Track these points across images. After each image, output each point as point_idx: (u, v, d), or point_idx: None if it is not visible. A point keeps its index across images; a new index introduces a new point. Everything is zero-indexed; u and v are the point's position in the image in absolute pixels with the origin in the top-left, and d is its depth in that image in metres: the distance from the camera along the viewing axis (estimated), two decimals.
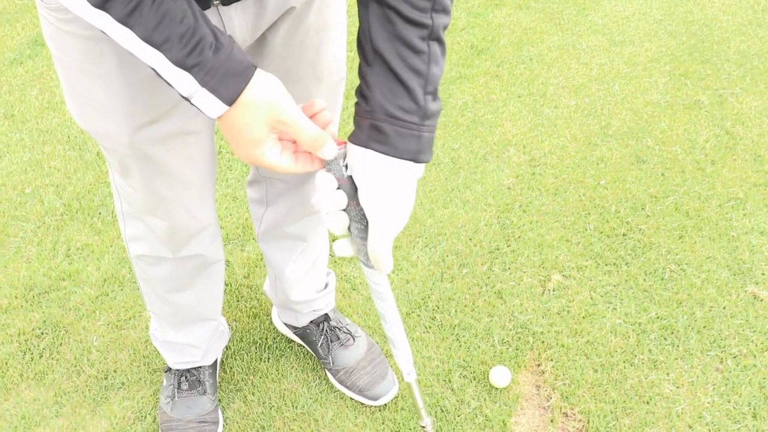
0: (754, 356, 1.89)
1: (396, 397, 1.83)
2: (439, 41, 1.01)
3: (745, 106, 2.73)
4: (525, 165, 2.50)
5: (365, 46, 1.00)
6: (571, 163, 2.50)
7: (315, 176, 1.06)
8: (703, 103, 2.75)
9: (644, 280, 2.09)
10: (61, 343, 1.99)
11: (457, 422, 1.78)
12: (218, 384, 1.87)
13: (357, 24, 1.03)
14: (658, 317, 1.99)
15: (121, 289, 2.12)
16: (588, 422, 1.77)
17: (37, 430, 1.80)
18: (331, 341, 1.86)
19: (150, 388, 1.88)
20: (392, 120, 0.99)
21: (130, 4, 0.86)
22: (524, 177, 2.45)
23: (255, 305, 2.07)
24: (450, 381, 1.86)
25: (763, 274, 2.10)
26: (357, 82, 1.05)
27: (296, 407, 1.83)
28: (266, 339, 1.98)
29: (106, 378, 1.91)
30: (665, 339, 1.94)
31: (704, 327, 1.97)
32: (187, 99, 0.94)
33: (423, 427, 1.40)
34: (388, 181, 1.01)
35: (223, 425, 1.80)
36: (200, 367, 1.79)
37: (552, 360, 1.90)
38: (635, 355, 1.91)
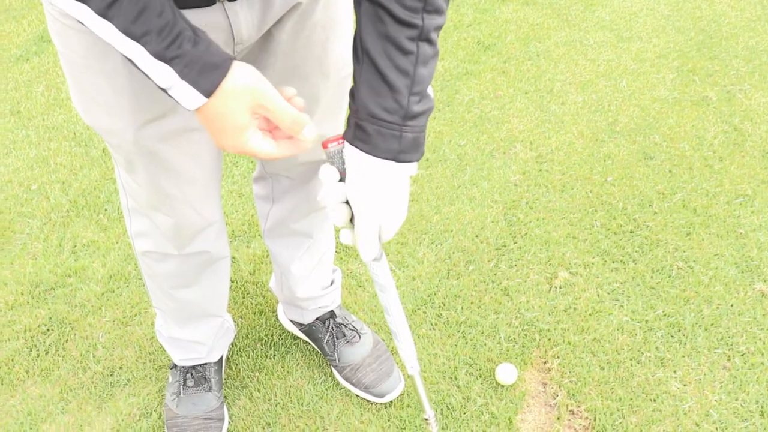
0: (762, 354, 1.88)
1: (402, 394, 1.82)
2: (430, 42, 1.01)
3: (753, 102, 2.71)
4: (532, 161, 2.49)
5: (356, 45, 1.02)
6: (578, 159, 2.49)
7: (319, 171, 1.09)
8: (711, 99, 2.73)
9: (651, 277, 2.08)
10: (67, 340, 1.99)
11: (463, 419, 1.77)
12: (224, 381, 1.87)
13: None
14: (665, 314, 1.98)
15: (127, 286, 2.12)
16: (594, 420, 1.77)
17: (43, 427, 1.81)
18: (337, 338, 1.86)
19: (155, 385, 1.88)
20: (374, 120, 1.00)
21: None
22: (531, 173, 2.44)
23: (261, 302, 2.07)
24: (456, 378, 1.86)
25: None
26: None
27: (302, 404, 1.82)
28: (272, 336, 1.98)
29: (111, 374, 1.91)
30: (672, 336, 1.93)
31: (712, 324, 1.95)
32: (164, 90, 0.95)
33: (426, 419, 1.40)
34: (371, 177, 1.04)
35: (229, 422, 1.80)
36: (206, 363, 1.79)
37: (558, 357, 1.90)
38: (642, 353, 1.90)
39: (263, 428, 1.79)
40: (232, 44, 1.15)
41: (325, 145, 1.07)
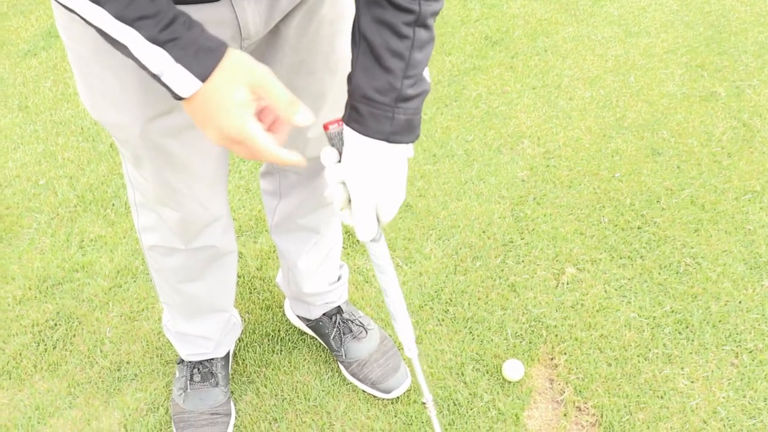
0: None
1: (408, 390, 1.82)
2: (426, 27, 1.02)
3: (762, 98, 2.69)
4: (539, 157, 2.48)
5: (354, 29, 1.03)
6: (586, 155, 2.48)
7: (321, 153, 1.11)
8: (720, 94, 2.72)
9: (659, 273, 2.07)
10: (75, 335, 2.00)
11: (469, 415, 1.77)
12: (231, 376, 1.88)
13: None
14: (672, 311, 1.97)
15: (134, 281, 2.13)
16: (601, 416, 1.76)
17: (50, 421, 1.81)
18: (344, 334, 1.86)
19: (163, 380, 1.89)
20: (367, 101, 1.02)
21: None
22: (538, 169, 2.43)
23: (268, 297, 2.07)
24: (463, 374, 1.86)
25: None
26: None
27: (308, 399, 1.83)
28: (279, 331, 1.98)
29: (119, 369, 1.91)
30: (680, 333, 1.93)
31: (719, 321, 1.95)
32: (156, 77, 0.94)
33: (424, 403, 1.40)
34: (364, 158, 1.05)
35: (236, 417, 1.80)
36: (212, 359, 1.79)
37: (565, 353, 1.89)
38: (649, 349, 1.89)
39: (270, 423, 1.79)
40: (239, 40, 1.15)
41: (326, 127, 1.08)
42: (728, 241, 2.16)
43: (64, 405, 1.84)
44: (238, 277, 2.08)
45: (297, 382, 1.86)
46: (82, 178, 2.48)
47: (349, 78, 1.05)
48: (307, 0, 1.19)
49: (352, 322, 1.87)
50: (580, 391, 1.81)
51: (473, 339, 1.94)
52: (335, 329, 1.86)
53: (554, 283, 2.06)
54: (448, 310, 2.01)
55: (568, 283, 2.06)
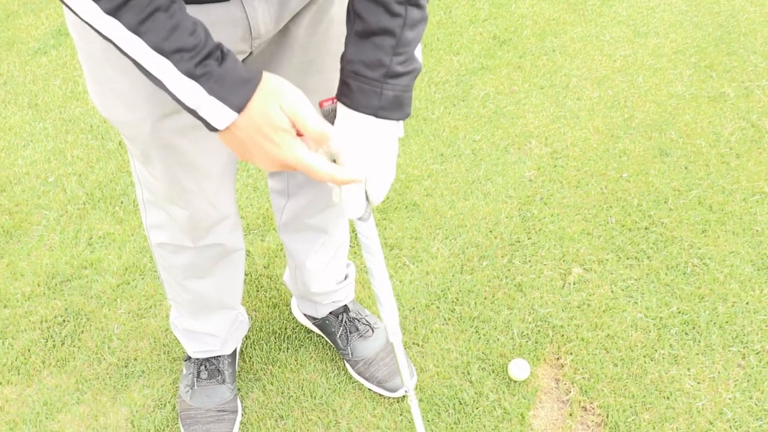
0: None
1: (414, 389, 1.82)
2: (418, 6, 1.04)
3: None
4: (547, 157, 2.48)
5: (348, 6, 1.05)
6: (594, 155, 2.48)
7: None
8: (729, 95, 2.71)
9: (666, 274, 2.07)
10: (83, 331, 2.01)
11: (475, 414, 1.78)
12: (237, 373, 1.89)
13: None
14: (679, 312, 1.97)
15: (142, 278, 2.14)
16: (607, 416, 1.76)
17: (58, 417, 1.82)
18: (350, 332, 1.86)
19: (170, 377, 1.90)
20: (356, 76, 1.04)
21: (142, 12, 0.88)
22: (546, 169, 2.43)
23: (275, 295, 2.08)
24: (469, 373, 1.86)
25: None
26: None
27: (315, 397, 1.83)
28: (285, 329, 1.99)
29: (126, 366, 1.93)
30: (686, 334, 1.93)
31: (726, 322, 1.94)
32: (193, 111, 0.96)
33: (405, 392, 1.40)
34: (352, 132, 1.07)
35: (242, 414, 1.81)
36: (219, 356, 1.80)
37: (572, 353, 1.89)
38: (656, 350, 1.89)
39: (276, 421, 1.80)
40: (249, 39, 1.16)
41: (321, 105, 1.10)
42: (736, 242, 2.15)
43: (72, 401, 1.85)
44: (246, 275, 2.09)
45: (303, 380, 1.87)
46: (91, 175, 2.50)
47: (343, 55, 1.07)
48: (316, 1, 1.20)
49: (358, 320, 1.88)
50: (585, 391, 1.81)
51: (479, 338, 1.94)
52: (342, 328, 1.87)
53: (561, 283, 2.06)
54: (454, 309, 2.01)
55: (574, 283, 2.06)
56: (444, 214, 2.28)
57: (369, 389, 1.84)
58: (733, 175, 2.37)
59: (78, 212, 2.36)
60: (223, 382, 1.79)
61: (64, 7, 1.11)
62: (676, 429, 1.73)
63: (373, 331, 1.87)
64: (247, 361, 1.92)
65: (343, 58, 1.06)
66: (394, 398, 1.81)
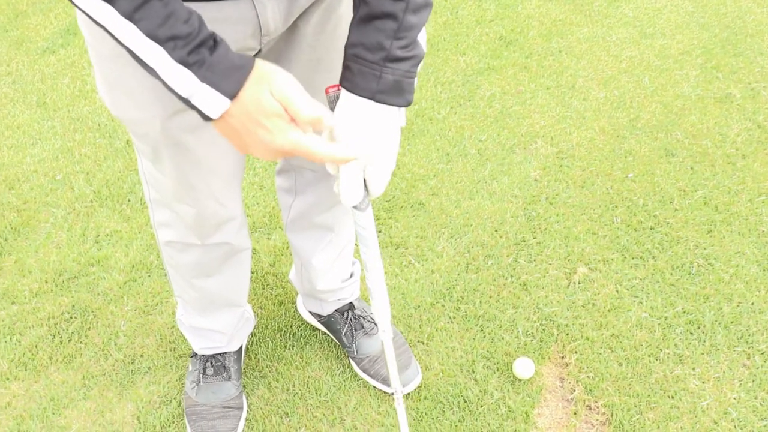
0: None
1: (419, 387, 1.83)
2: None
3: None
4: (552, 157, 2.48)
5: None
6: (599, 155, 2.48)
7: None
8: (735, 96, 2.71)
9: (671, 274, 2.07)
10: (90, 328, 2.02)
11: (479, 413, 1.78)
12: (243, 370, 1.89)
13: None
14: (684, 312, 1.97)
15: (149, 276, 2.15)
16: (611, 415, 1.77)
17: (65, 412, 1.84)
18: (356, 330, 1.87)
19: (176, 373, 1.91)
20: (356, 59, 1.04)
21: None
22: (551, 169, 2.43)
23: (280, 293, 2.09)
24: (473, 371, 1.86)
25: None
26: None
27: (320, 394, 1.84)
28: (291, 327, 2.00)
29: (132, 362, 1.94)
30: (691, 334, 1.93)
31: (731, 322, 1.94)
32: (186, 100, 0.96)
33: (392, 394, 1.39)
34: (351, 115, 1.07)
35: (248, 411, 1.82)
36: (225, 353, 1.81)
37: (576, 352, 1.90)
38: (660, 349, 1.89)
39: (281, 417, 1.80)
40: (258, 36, 1.16)
41: (326, 91, 1.10)
42: (741, 242, 2.15)
43: (79, 396, 1.87)
44: (252, 273, 2.10)
45: (308, 377, 1.88)
46: (98, 173, 2.51)
47: (346, 40, 1.07)
48: None
49: (363, 318, 1.89)
50: (590, 390, 1.82)
51: (484, 337, 1.94)
52: (347, 325, 1.87)
53: (566, 283, 2.07)
54: (459, 307, 2.02)
55: (579, 283, 2.06)
56: (449, 214, 2.29)
57: (374, 386, 1.84)
58: (739, 176, 2.37)
59: (85, 210, 2.37)
60: (229, 378, 1.80)
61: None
62: (681, 428, 1.74)
63: (378, 328, 1.88)
64: (253, 358, 1.93)
65: (346, 43, 1.07)
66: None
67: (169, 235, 1.50)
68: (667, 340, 1.91)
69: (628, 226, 2.22)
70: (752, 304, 1.99)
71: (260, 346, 1.95)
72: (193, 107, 0.97)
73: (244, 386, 1.86)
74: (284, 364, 1.91)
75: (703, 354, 1.88)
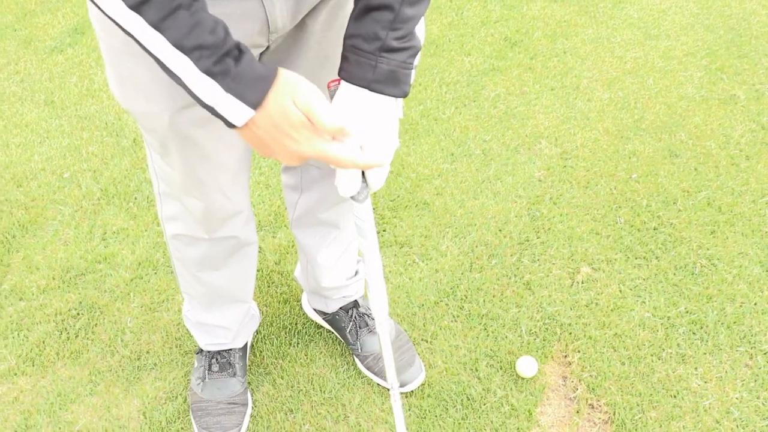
0: None
1: (423, 385, 1.84)
2: None
3: None
4: (556, 157, 2.49)
5: None
6: (603, 156, 2.49)
7: None
8: (739, 97, 2.72)
9: (674, 274, 2.08)
10: (97, 324, 2.04)
11: (482, 411, 1.79)
12: (248, 367, 1.91)
13: None
14: (687, 312, 1.98)
15: (155, 273, 2.16)
16: (614, 414, 1.78)
17: (72, 407, 1.85)
18: (360, 327, 1.88)
19: (181, 370, 1.92)
20: (353, 49, 1.06)
21: (165, 9, 0.91)
22: (555, 169, 2.44)
23: (285, 291, 2.10)
24: (477, 370, 1.88)
25: None
26: None
27: (324, 391, 1.85)
28: (296, 324, 2.01)
29: (139, 359, 1.95)
30: (694, 333, 1.94)
31: (734, 323, 1.95)
32: (211, 108, 0.98)
33: (388, 390, 1.40)
34: (346, 104, 1.08)
35: (252, 407, 1.83)
36: (231, 349, 1.83)
37: (579, 351, 1.91)
38: (663, 349, 1.90)
39: (286, 414, 1.82)
40: (267, 33, 1.18)
41: (328, 86, 1.11)
42: (745, 243, 2.16)
43: (86, 392, 1.88)
44: (257, 271, 2.11)
45: (313, 374, 1.89)
46: (105, 171, 2.53)
47: (345, 32, 1.09)
48: None
49: (368, 316, 1.90)
50: (593, 389, 1.83)
51: (488, 335, 1.95)
52: (351, 323, 1.89)
53: (569, 282, 2.08)
54: (463, 306, 2.03)
55: (583, 282, 2.07)
56: (454, 213, 2.30)
57: (377, 384, 1.86)
58: (743, 177, 2.38)
59: (92, 208, 2.39)
60: (234, 375, 1.81)
61: (88, 1, 1.14)
62: (683, 427, 1.75)
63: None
64: (258, 355, 1.95)
65: (345, 35, 1.09)
66: (402, 393, 1.83)
67: (177, 229, 1.51)
68: (670, 339, 1.92)
69: (631, 227, 2.23)
70: (755, 304, 1.99)
71: (265, 343, 1.97)
72: (218, 115, 0.99)
73: (249, 383, 1.88)
74: (289, 362, 1.92)
75: (705, 354, 1.89)
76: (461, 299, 2.05)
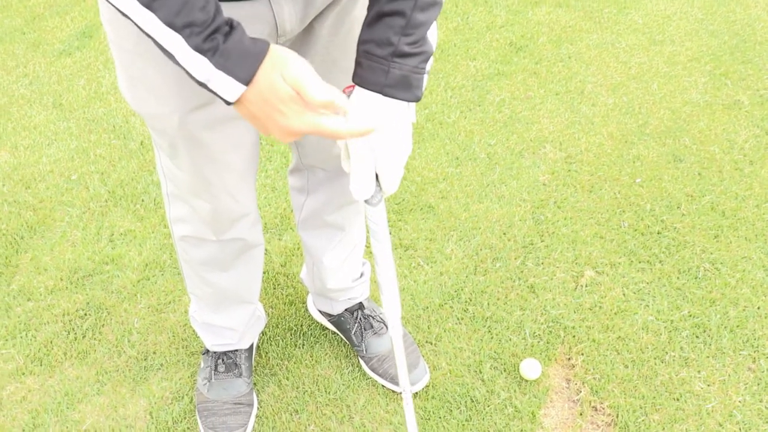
0: None
1: (427, 386, 1.86)
2: None
3: None
4: (561, 162, 2.51)
5: None
6: (607, 160, 2.50)
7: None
8: (744, 103, 2.73)
9: (677, 278, 2.09)
10: (104, 325, 2.06)
11: (486, 412, 1.80)
12: (254, 368, 1.92)
13: None
14: (690, 315, 1.99)
15: (162, 274, 2.18)
16: (617, 417, 1.79)
17: (79, 407, 1.87)
18: (365, 329, 1.90)
19: (188, 370, 1.94)
20: (366, 55, 1.08)
21: None
22: (560, 174, 2.46)
23: (291, 293, 2.12)
24: (481, 372, 1.89)
25: None
26: None
27: (329, 393, 1.87)
28: (301, 326, 2.03)
29: (145, 359, 1.97)
30: (697, 337, 1.95)
31: (737, 326, 1.96)
32: (204, 84, 1.00)
33: (400, 393, 1.40)
34: (363, 109, 1.09)
35: (258, 407, 1.85)
36: (237, 350, 1.84)
37: (583, 354, 1.92)
38: (666, 352, 1.91)
39: (291, 415, 1.83)
40: (275, 36, 1.20)
41: (343, 91, 1.12)
42: (748, 247, 2.17)
43: (93, 392, 1.90)
44: (263, 273, 2.13)
45: (318, 375, 1.91)
46: (113, 174, 2.55)
47: (358, 39, 1.11)
48: (339, 1, 1.24)
49: (373, 318, 1.91)
50: (596, 392, 1.84)
51: (492, 338, 1.97)
52: (357, 325, 1.90)
53: (573, 285, 2.09)
54: (467, 309, 2.04)
55: (586, 286, 2.08)
56: (458, 216, 2.32)
57: (382, 385, 1.87)
58: (747, 182, 2.39)
59: (100, 209, 2.41)
60: (240, 375, 1.83)
61: (99, 1, 1.16)
62: (686, 430, 1.75)
63: (387, 328, 1.90)
64: (264, 356, 1.96)
65: (358, 41, 1.10)
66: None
67: (185, 230, 1.53)
68: (673, 343, 1.93)
69: (635, 231, 2.24)
70: (758, 308, 2.00)
71: (271, 344, 1.98)
72: (211, 91, 1.00)
73: (254, 383, 1.89)
74: (294, 363, 1.94)
75: (708, 357, 1.90)
76: (465, 302, 2.06)
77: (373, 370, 1.88)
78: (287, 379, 1.90)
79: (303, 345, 1.98)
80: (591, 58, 3.02)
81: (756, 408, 1.79)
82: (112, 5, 0.97)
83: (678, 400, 1.81)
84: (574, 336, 1.96)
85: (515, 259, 2.17)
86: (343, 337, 1.96)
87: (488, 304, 2.05)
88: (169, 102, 1.22)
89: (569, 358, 1.92)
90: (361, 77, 1.09)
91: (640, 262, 2.14)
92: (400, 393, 1.84)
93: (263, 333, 2.01)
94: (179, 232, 1.55)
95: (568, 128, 2.65)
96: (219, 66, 0.97)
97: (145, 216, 2.37)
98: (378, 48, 1.07)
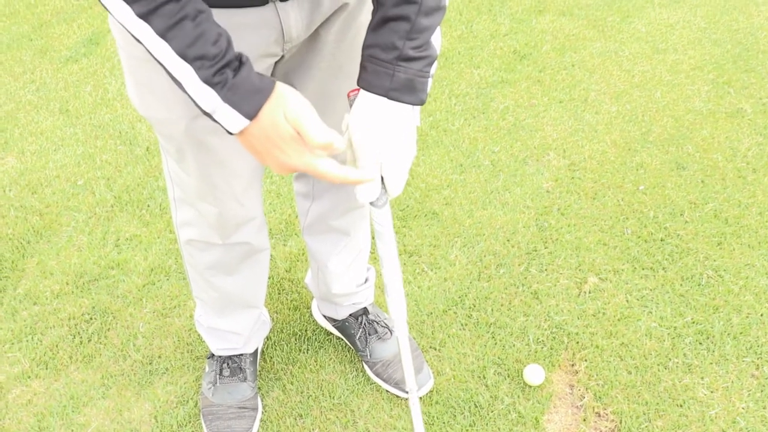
0: None
1: (431, 391, 1.86)
2: None
3: None
4: (564, 169, 2.52)
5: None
6: (611, 168, 2.51)
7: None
8: (746, 111, 2.74)
9: (681, 285, 2.10)
10: (109, 329, 2.07)
11: (490, 418, 1.81)
12: (258, 372, 1.93)
13: None
14: (693, 322, 2.00)
15: (167, 279, 2.19)
16: (620, 423, 1.79)
17: (84, 410, 1.88)
18: (369, 334, 1.90)
19: (192, 374, 1.95)
20: (371, 59, 1.09)
21: (171, 19, 0.95)
22: (563, 181, 2.47)
23: (296, 298, 2.13)
24: (484, 377, 1.89)
25: None
26: None
27: (333, 397, 1.87)
28: (306, 331, 2.03)
29: (150, 363, 1.98)
30: (700, 344, 1.95)
31: (741, 333, 1.97)
32: (209, 115, 1.02)
33: (407, 392, 1.41)
34: (365, 112, 1.11)
35: (262, 412, 1.85)
36: (242, 354, 1.85)
37: (586, 360, 1.92)
38: (670, 359, 1.92)
39: (295, 419, 1.84)
40: (281, 42, 1.21)
41: (348, 95, 1.14)
42: (751, 255, 2.18)
43: (98, 395, 1.91)
44: (268, 278, 2.14)
45: (322, 380, 1.91)
46: (118, 179, 2.56)
47: (363, 43, 1.12)
48: (346, 6, 1.26)
49: (377, 323, 1.92)
50: (599, 398, 1.84)
51: (495, 344, 1.97)
52: (361, 330, 1.91)
53: (576, 292, 2.10)
54: (471, 315, 2.05)
55: (590, 292, 2.09)
56: (462, 223, 2.33)
57: (387, 390, 1.88)
58: (750, 190, 2.39)
59: (106, 214, 2.43)
60: (245, 380, 1.83)
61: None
62: None
63: (391, 333, 1.91)
64: (268, 361, 1.97)
65: (363, 45, 1.12)
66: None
67: (191, 234, 1.54)
68: (677, 349, 1.94)
69: (638, 238, 2.25)
70: (761, 315, 2.01)
71: (275, 349, 1.99)
72: (215, 121, 1.03)
73: (259, 388, 1.90)
74: (299, 367, 1.95)
75: (711, 364, 1.90)
76: (469, 308, 2.07)
77: (377, 375, 1.89)
78: (292, 383, 1.91)
79: (307, 350, 1.99)
80: (594, 66, 3.03)
81: (759, 415, 1.79)
82: (127, 30, 0.98)
83: (681, 406, 1.82)
84: (577, 342, 1.97)
85: (519, 265, 2.18)
86: (348, 342, 1.97)
87: (492, 310, 2.06)
88: (177, 107, 1.23)
89: (573, 364, 1.93)
90: (366, 81, 1.10)
91: (643, 269, 2.15)
92: (405, 398, 1.85)
93: (268, 338, 2.02)
94: (185, 236, 1.56)
95: (572, 136, 2.66)
96: (226, 99, 0.99)
97: (150, 221, 2.39)
98: (383, 52, 1.08)
